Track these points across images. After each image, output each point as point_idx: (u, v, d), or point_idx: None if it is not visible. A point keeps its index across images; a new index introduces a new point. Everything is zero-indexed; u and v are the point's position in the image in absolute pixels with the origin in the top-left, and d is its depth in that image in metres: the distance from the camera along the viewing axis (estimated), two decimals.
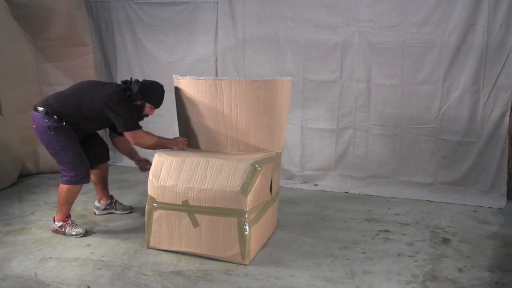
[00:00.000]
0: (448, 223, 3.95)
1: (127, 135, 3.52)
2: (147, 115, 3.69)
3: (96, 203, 4.10)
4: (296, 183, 4.98)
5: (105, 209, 4.08)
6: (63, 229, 3.63)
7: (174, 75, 3.71)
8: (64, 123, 3.48)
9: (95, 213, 4.08)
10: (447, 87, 4.43)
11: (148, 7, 5.31)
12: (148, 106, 3.59)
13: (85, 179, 3.59)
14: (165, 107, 3.83)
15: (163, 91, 3.65)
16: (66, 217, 3.65)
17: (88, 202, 4.35)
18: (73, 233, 3.62)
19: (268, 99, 3.48)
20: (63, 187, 3.58)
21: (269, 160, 3.43)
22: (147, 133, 3.58)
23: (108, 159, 4.04)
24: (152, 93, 3.58)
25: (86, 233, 3.65)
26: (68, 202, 3.64)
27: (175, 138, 3.68)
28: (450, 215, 4.13)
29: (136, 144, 3.61)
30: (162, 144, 3.62)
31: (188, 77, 3.64)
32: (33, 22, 4.87)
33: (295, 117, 4.88)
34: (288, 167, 4.99)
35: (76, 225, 3.67)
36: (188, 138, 3.73)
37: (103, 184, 4.05)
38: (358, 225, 3.90)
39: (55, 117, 3.47)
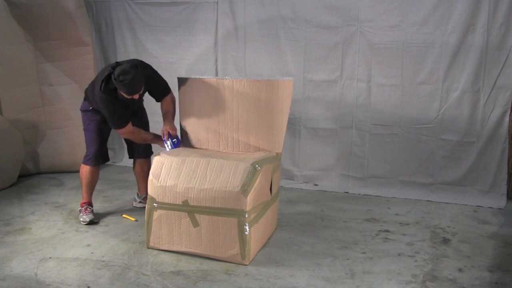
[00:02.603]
0: (448, 223, 3.95)
1: (116, 131, 3.73)
2: (134, 99, 3.57)
3: (135, 196, 4.26)
4: (296, 183, 4.97)
5: (140, 202, 4.19)
6: (79, 213, 3.92)
7: (178, 76, 3.74)
8: (91, 108, 3.80)
9: (133, 204, 4.22)
10: (447, 87, 4.42)
11: (148, 7, 5.31)
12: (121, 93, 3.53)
13: (91, 161, 3.84)
14: None
15: (125, 79, 3.31)
16: (84, 203, 3.92)
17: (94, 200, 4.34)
18: (81, 219, 3.86)
19: (270, 99, 3.49)
20: (81, 166, 3.92)
21: (269, 160, 3.42)
22: (134, 129, 3.74)
23: (147, 156, 4.12)
24: (116, 84, 3.39)
25: (91, 223, 3.81)
26: (83, 183, 3.90)
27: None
28: (450, 215, 4.13)
29: (125, 137, 3.88)
30: (147, 140, 3.90)
31: (192, 76, 3.71)
32: (33, 22, 4.86)
33: (295, 117, 4.88)
34: (288, 167, 4.99)
35: (89, 213, 3.86)
36: (189, 137, 3.75)
37: (141, 177, 4.14)
38: (358, 225, 3.90)
39: (86, 102, 3.85)
